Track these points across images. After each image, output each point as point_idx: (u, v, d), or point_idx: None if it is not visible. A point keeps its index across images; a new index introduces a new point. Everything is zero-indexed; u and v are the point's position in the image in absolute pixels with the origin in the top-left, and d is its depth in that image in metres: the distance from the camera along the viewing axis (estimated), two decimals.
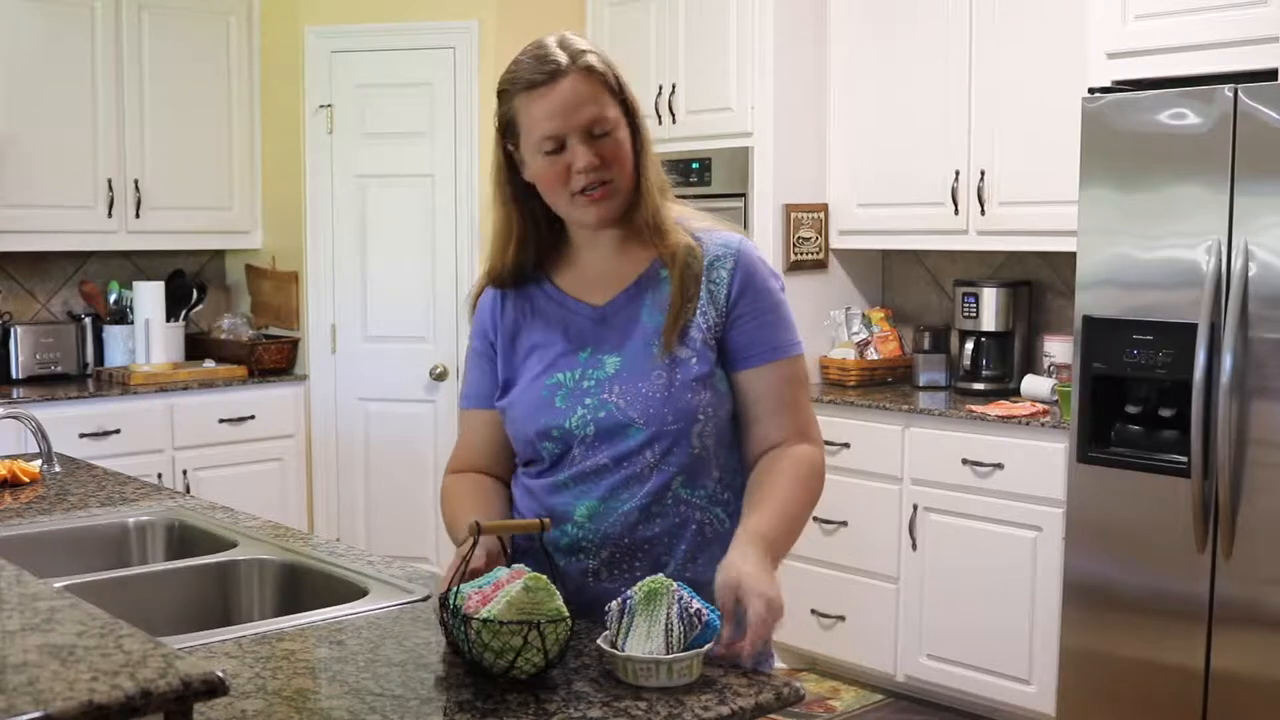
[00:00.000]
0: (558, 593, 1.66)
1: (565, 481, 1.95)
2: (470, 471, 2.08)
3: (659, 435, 1.91)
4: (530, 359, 2.00)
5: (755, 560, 1.77)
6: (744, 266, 1.97)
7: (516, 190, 1.97)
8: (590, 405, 1.93)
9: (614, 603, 1.68)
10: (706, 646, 1.67)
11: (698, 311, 1.94)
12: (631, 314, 1.96)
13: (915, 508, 4.38)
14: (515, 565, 1.72)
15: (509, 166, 1.96)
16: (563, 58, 1.87)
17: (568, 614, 1.65)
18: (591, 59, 1.89)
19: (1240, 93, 3.40)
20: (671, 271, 1.94)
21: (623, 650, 1.64)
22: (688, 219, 2.01)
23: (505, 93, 1.92)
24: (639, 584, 1.67)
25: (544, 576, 1.66)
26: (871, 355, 4.90)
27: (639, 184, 1.93)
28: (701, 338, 1.93)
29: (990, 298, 4.61)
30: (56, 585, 1.84)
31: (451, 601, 1.68)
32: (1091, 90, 3.75)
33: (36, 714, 1.09)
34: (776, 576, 1.79)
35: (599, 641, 1.68)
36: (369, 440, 5.48)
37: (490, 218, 2.03)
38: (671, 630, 1.63)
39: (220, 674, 1.20)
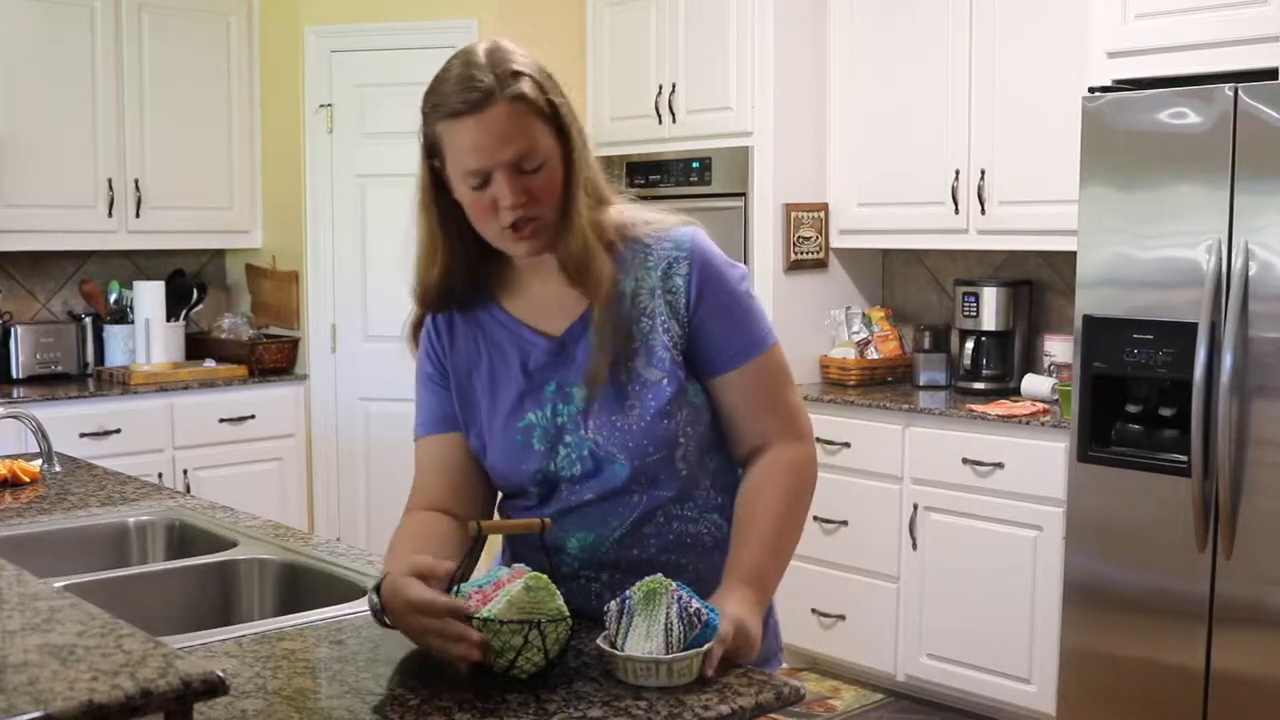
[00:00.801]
0: (558, 592, 1.66)
1: (553, 516, 1.87)
2: (427, 510, 1.93)
3: (642, 468, 1.85)
4: (494, 397, 1.90)
5: (748, 607, 1.76)
6: (699, 266, 1.85)
7: (444, 210, 1.85)
8: (571, 444, 1.85)
9: (613, 603, 1.68)
10: (706, 646, 1.67)
11: (660, 328, 1.84)
12: (589, 342, 1.86)
13: (915, 507, 4.38)
14: (515, 565, 1.71)
15: (435, 185, 1.84)
16: (489, 81, 1.72)
17: (568, 613, 1.65)
18: (523, 85, 1.73)
19: (1240, 92, 3.40)
20: (595, 302, 1.82)
21: (622, 650, 1.64)
22: (635, 224, 1.89)
23: (427, 115, 1.80)
24: (638, 584, 1.67)
25: (544, 576, 1.66)
26: (872, 355, 4.90)
27: (567, 216, 1.79)
28: (669, 355, 1.84)
29: (990, 297, 4.61)
30: (57, 585, 1.84)
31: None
32: (1091, 89, 3.75)
33: (37, 714, 1.09)
34: (759, 620, 1.78)
35: (598, 641, 1.67)
36: (369, 440, 5.48)
37: (416, 240, 1.91)
38: (671, 630, 1.63)
39: (220, 673, 1.20)
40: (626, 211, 1.91)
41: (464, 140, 1.74)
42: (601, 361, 1.83)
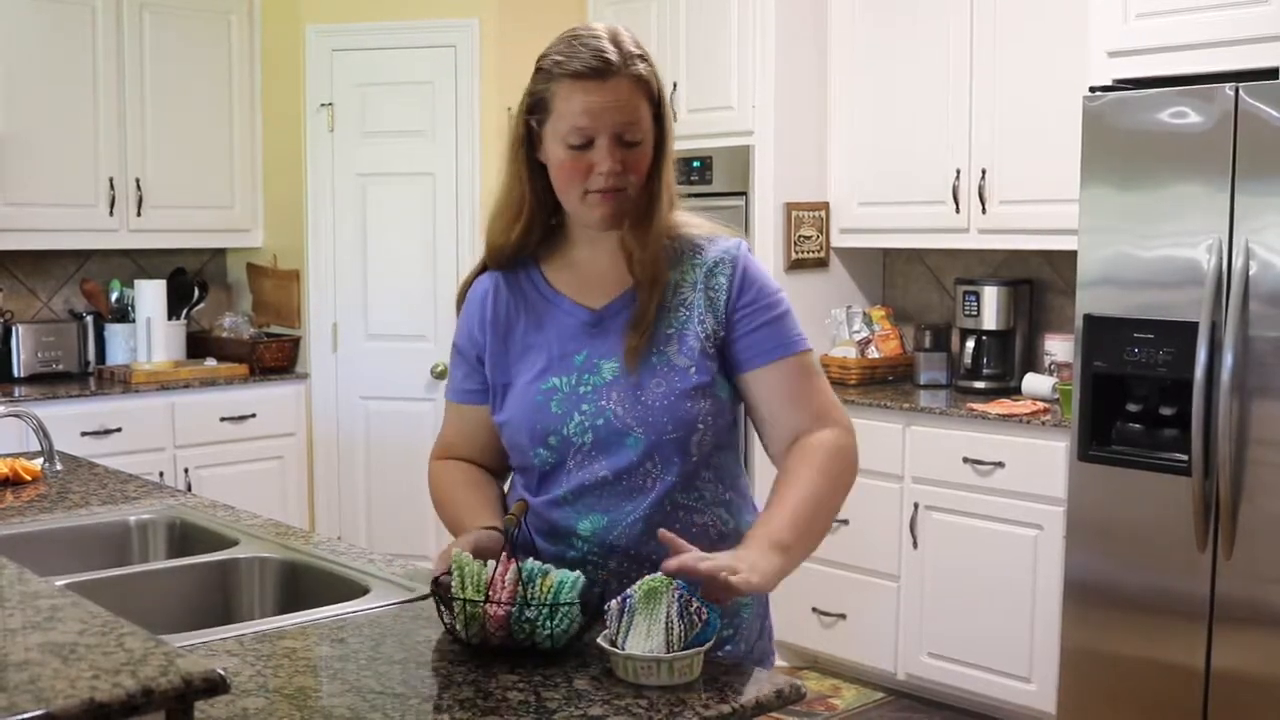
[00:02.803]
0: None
1: (565, 496, 1.92)
2: (456, 459, 2.08)
3: (658, 445, 1.88)
4: (524, 361, 1.96)
5: (765, 559, 1.75)
6: (742, 270, 1.95)
7: (530, 169, 1.93)
8: (588, 412, 1.90)
9: (614, 601, 1.68)
10: (707, 645, 1.67)
11: (695, 319, 1.91)
12: (628, 319, 1.93)
13: (916, 506, 4.38)
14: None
15: (528, 142, 1.92)
16: (615, 56, 1.83)
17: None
18: (642, 68, 1.86)
19: (1241, 91, 3.40)
20: (644, 292, 1.91)
21: (623, 649, 1.65)
22: (689, 225, 1.99)
23: (545, 72, 1.87)
24: (639, 582, 1.67)
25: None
26: (872, 354, 4.90)
27: (653, 196, 1.90)
28: (700, 346, 1.91)
29: (991, 296, 4.61)
30: (58, 583, 1.84)
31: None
32: (1092, 89, 3.75)
33: (38, 712, 1.09)
34: (773, 572, 1.77)
35: (599, 640, 1.68)
36: (370, 439, 5.48)
37: (497, 195, 1.99)
38: (672, 628, 1.63)
39: (221, 672, 1.20)
40: (682, 214, 2.00)
41: (580, 101, 1.83)
42: (639, 345, 1.89)
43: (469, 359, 2.03)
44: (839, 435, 1.95)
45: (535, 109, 1.89)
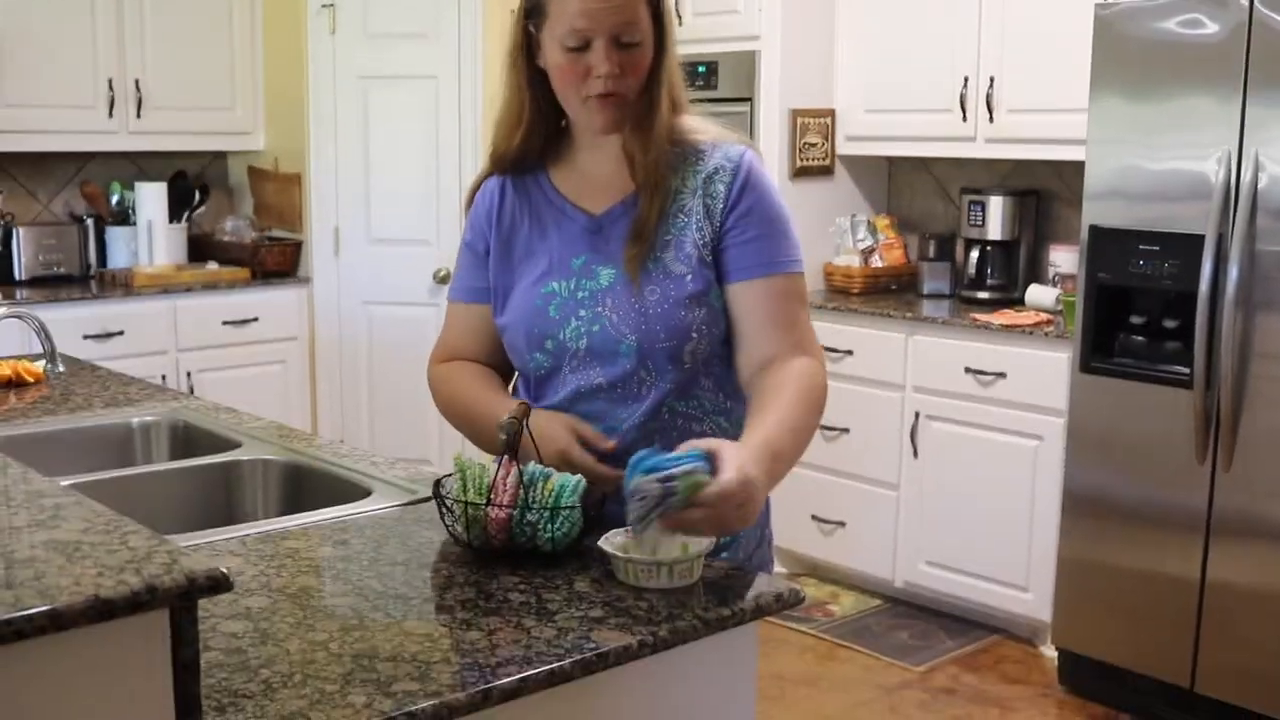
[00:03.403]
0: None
1: (562, 403, 1.93)
2: (461, 361, 2.06)
3: (650, 353, 1.87)
4: (526, 264, 1.96)
5: (758, 465, 1.68)
6: (743, 179, 1.91)
7: (530, 75, 1.91)
8: (584, 318, 1.90)
9: (654, 482, 1.58)
10: (706, 547, 1.68)
11: (694, 226, 1.89)
12: (627, 226, 1.91)
13: (917, 415, 4.39)
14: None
15: (526, 48, 1.89)
16: None
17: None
18: None
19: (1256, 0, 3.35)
20: (645, 199, 1.89)
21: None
22: (696, 130, 1.96)
23: None
24: (681, 469, 1.59)
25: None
26: (876, 263, 4.89)
27: (652, 99, 1.87)
28: (697, 254, 1.88)
29: (996, 206, 4.59)
30: (62, 484, 1.85)
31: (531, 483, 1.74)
32: None
33: (43, 607, 1.10)
34: (765, 484, 1.71)
35: (600, 543, 1.69)
36: (372, 343, 5.49)
37: (499, 101, 1.97)
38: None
39: (225, 571, 1.21)
40: (692, 119, 1.97)
41: (575, 3, 1.80)
42: (640, 252, 1.88)
43: (478, 254, 2.02)
44: (814, 367, 1.90)
45: (532, 13, 1.87)
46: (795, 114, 4.79)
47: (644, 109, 1.88)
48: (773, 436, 1.76)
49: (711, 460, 1.62)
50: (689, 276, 1.88)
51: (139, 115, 5.21)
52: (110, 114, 5.14)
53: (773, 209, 1.93)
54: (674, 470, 1.59)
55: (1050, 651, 4.07)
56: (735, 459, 1.63)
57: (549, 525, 1.71)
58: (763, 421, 1.79)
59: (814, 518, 4.70)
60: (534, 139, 1.95)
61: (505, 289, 1.98)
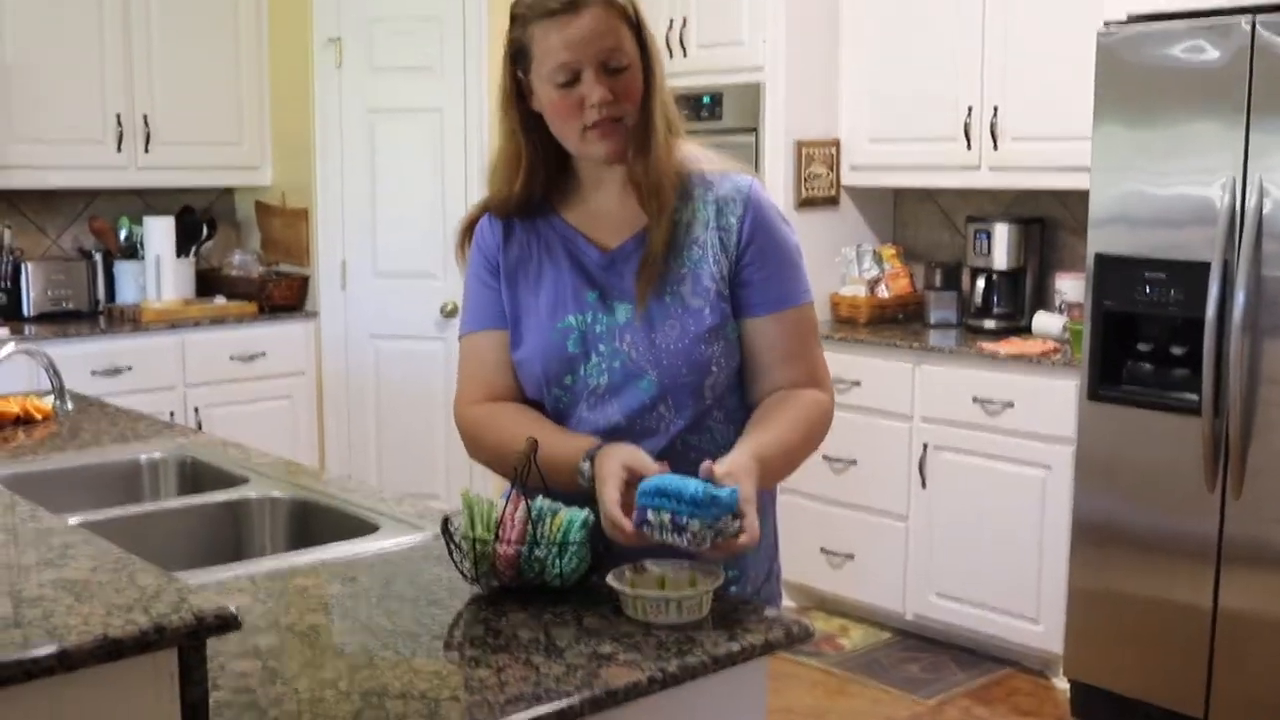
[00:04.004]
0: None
1: None
2: (495, 400, 1.96)
3: (671, 388, 1.88)
4: (537, 299, 1.94)
5: (750, 480, 1.72)
6: (754, 211, 1.92)
7: (524, 118, 1.90)
8: (604, 353, 1.89)
9: (666, 516, 1.65)
10: (716, 584, 1.68)
11: (710, 259, 1.89)
12: (640, 260, 1.90)
13: (925, 446, 4.38)
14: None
15: (517, 94, 1.89)
16: None
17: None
18: None
19: (1258, 24, 3.35)
20: (653, 225, 1.88)
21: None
22: (699, 160, 1.96)
23: (520, 18, 1.86)
24: (696, 517, 1.64)
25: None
26: (882, 292, 4.89)
27: (647, 122, 1.86)
28: (715, 287, 1.89)
29: (1002, 234, 4.59)
30: (70, 521, 1.85)
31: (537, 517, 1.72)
32: (1106, 23, 3.70)
33: (52, 648, 1.10)
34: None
35: (609, 579, 1.68)
36: (379, 377, 5.49)
37: (494, 150, 1.98)
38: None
39: (233, 609, 1.21)
40: (691, 148, 1.98)
41: (556, 39, 1.81)
42: (650, 281, 1.88)
43: (491, 283, 1.98)
44: (823, 398, 1.94)
45: (518, 58, 1.88)
46: (800, 145, 4.80)
47: (642, 133, 1.88)
48: (765, 446, 1.81)
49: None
50: (706, 310, 1.88)
51: (147, 150, 5.23)
52: (119, 149, 5.16)
53: (784, 242, 1.95)
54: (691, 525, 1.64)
55: (1062, 683, 4.04)
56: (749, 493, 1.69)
57: (557, 561, 1.70)
58: (757, 433, 1.85)
59: (823, 550, 4.69)
60: (535, 182, 1.95)
61: (516, 320, 1.96)
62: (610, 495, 1.71)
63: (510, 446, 1.85)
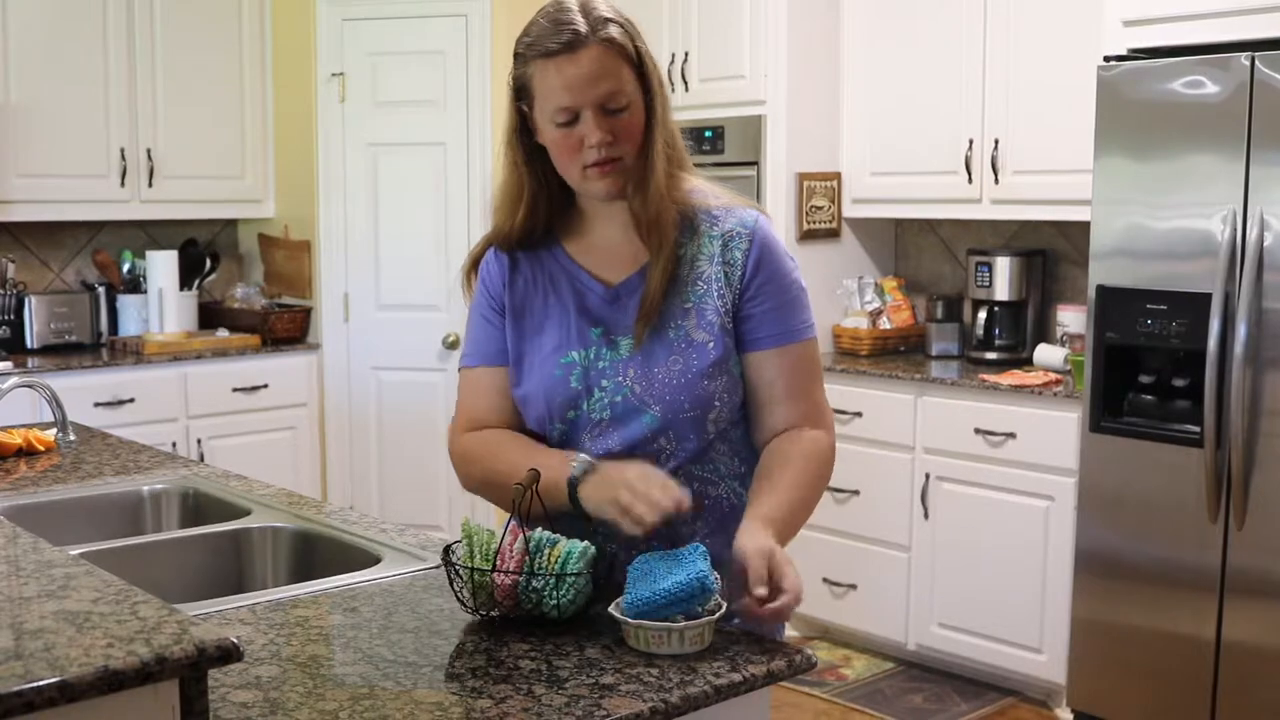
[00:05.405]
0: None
1: None
2: (489, 428, 1.98)
3: (674, 422, 1.88)
4: (539, 334, 1.95)
5: (772, 540, 1.74)
6: (760, 246, 1.92)
7: (529, 152, 1.91)
8: (607, 389, 1.89)
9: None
10: (718, 614, 1.68)
11: (714, 293, 1.90)
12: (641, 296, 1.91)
13: (927, 477, 4.38)
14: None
15: (522, 128, 1.90)
16: (583, 26, 1.80)
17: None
18: (613, 30, 1.82)
19: (1257, 60, 3.37)
20: (654, 261, 1.89)
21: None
22: (706, 194, 1.97)
23: (521, 56, 1.86)
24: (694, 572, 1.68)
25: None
26: (884, 324, 4.90)
27: (647, 160, 1.86)
28: (719, 320, 1.89)
29: (1003, 267, 4.60)
30: (72, 553, 1.85)
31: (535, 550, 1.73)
32: (1107, 58, 3.72)
33: (53, 679, 1.10)
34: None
35: (610, 609, 1.68)
36: (382, 409, 5.49)
37: (498, 183, 1.99)
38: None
39: (235, 640, 1.21)
40: (699, 183, 1.98)
41: (556, 79, 1.81)
42: (649, 320, 1.88)
43: (493, 319, 1.99)
44: (824, 440, 1.95)
45: (521, 94, 1.88)
46: (801, 177, 4.82)
47: (641, 169, 1.88)
48: (772, 508, 1.83)
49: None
50: (711, 344, 1.89)
51: (151, 184, 5.26)
52: (122, 183, 5.19)
53: (788, 277, 1.95)
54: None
55: (1066, 714, 4.03)
56: (754, 548, 1.72)
57: (554, 591, 1.70)
58: (766, 494, 1.86)
59: (825, 580, 4.68)
60: (538, 214, 1.96)
61: (519, 357, 1.96)
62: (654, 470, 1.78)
63: (498, 471, 1.89)
